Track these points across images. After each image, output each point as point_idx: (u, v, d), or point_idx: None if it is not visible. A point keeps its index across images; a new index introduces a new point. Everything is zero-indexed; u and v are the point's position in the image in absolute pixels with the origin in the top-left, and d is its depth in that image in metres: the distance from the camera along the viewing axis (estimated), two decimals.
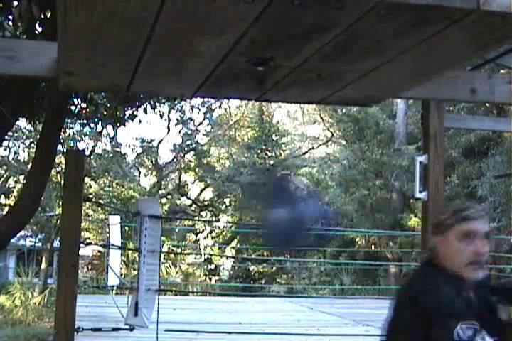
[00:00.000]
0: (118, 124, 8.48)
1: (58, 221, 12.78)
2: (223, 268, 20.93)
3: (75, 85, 2.81)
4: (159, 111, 9.82)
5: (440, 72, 2.58)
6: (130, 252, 14.37)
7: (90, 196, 16.41)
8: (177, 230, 20.51)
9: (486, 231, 2.03)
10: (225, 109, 23.00)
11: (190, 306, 11.24)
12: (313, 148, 23.71)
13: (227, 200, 21.68)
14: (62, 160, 10.00)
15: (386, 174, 17.76)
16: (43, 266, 14.99)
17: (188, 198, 22.44)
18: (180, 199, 22.25)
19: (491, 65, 7.08)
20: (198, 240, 20.89)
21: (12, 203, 10.97)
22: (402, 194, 17.95)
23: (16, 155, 15.56)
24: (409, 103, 17.91)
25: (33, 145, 13.58)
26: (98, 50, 2.21)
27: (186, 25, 1.93)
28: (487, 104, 12.53)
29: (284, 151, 22.39)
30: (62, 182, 4.78)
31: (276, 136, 21.99)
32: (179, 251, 19.03)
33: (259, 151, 21.36)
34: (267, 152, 21.55)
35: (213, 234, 21.24)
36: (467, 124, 5.54)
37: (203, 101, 19.85)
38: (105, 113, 7.39)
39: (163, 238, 8.93)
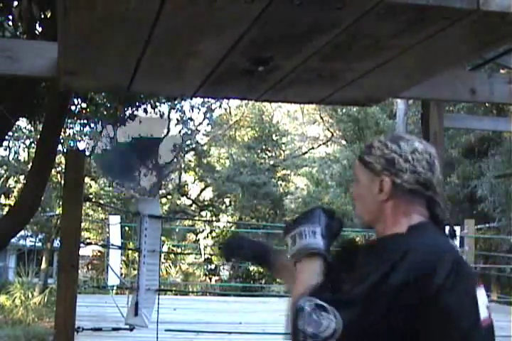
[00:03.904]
0: (118, 124, 8.48)
1: (58, 221, 12.77)
2: (223, 268, 20.91)
3: (75, 85, 2.81)
4: (159, 111, 9.82)
5: (440, 71, 2.58)
6: (130, 252, 14.36)
7: (90, 196, 16.40)
8: (177, 230, 20.48)
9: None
10: (225, 109, 22.97)
11: (190, 306, 11.22)
12: (313, 148, 23.69)
13: (227, 200, 21.66)
14: (62, 160, 9.99)
15: None
16: (43, 266, 14.99)
17: (188, 198, 22.42)
18: (180, 199, 22.23)
19: (490, 65, 7.08)
20: (198, 240, 20.86)
21: (12, 203, 10.97)
22: None
23: (16, 155, 15.53)
24: (409, 103, 17.89)
25: (33, 145, 13.57)
26: (98, 50, 2.21)
27: (186, 25, 1.93)
28: (487, 104, 12.52)
29: (284, 151, 22.38)
30: (62, 182, 4.77)
31: (276, 136, 21.98)
32: (179, 251, 19.00)
33: (259, 151, 21.34)
34: (267, 152, 21.55)
35: (213, 234, 21.23)
36: (467, 124, 5.57)
37: (203, 101, 19.81)
38: (105, 113, 7.39)
39: (163, 238, 8.92)
